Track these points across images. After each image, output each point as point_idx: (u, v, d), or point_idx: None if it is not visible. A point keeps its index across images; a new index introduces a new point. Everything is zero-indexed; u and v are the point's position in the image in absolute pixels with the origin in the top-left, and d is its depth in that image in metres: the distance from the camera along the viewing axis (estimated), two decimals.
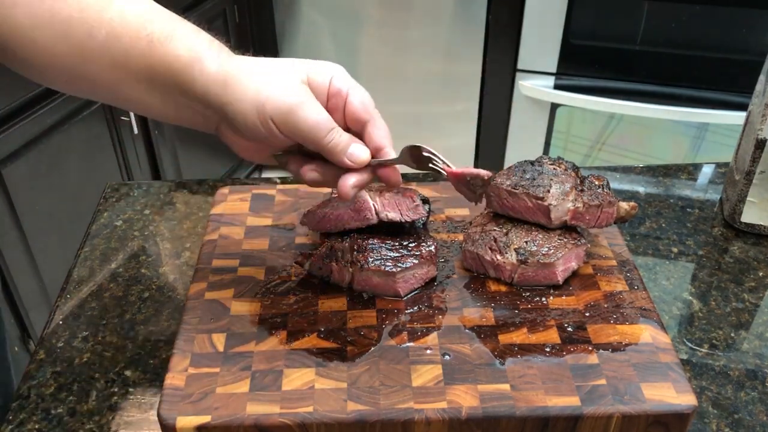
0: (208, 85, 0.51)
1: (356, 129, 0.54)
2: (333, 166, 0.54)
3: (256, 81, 0.51)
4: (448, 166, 0.54)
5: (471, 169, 0.53)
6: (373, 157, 0.53)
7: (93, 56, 0.51)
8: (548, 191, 0.61)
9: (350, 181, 0.53)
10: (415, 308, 0.58)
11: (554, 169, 0.64)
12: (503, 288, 0.61)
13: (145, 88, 0.53)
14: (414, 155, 0.54)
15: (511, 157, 2.11)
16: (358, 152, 0.52)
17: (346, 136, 0.52)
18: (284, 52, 2.19)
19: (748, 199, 0.80)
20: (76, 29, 0.51)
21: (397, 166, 0.54)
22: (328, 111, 0.52)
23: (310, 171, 0.54)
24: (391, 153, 0.53)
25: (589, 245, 0.63)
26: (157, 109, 0.55)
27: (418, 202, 0.61)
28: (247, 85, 0.50)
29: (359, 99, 0.53)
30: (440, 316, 0.58)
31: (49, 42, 0.51)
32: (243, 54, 0.55)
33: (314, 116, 0.50)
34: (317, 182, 0.55)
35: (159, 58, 0.51)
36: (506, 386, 0.51)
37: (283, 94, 0.50)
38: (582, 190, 0.63)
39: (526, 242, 0.61)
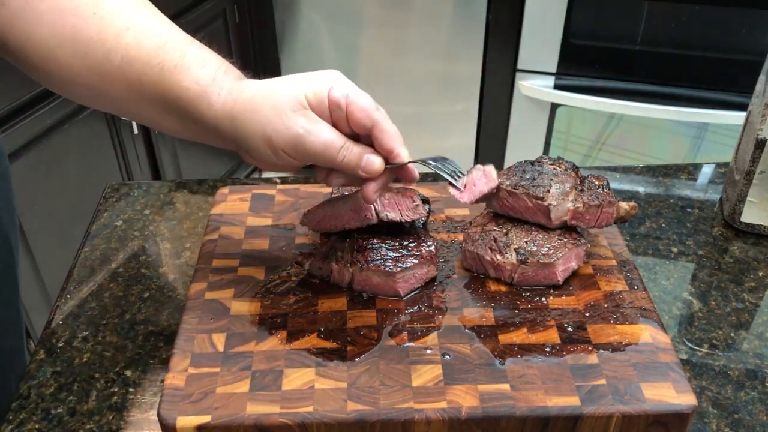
0: (217, 120, 0.53)
1: (365, 134, 0.54)
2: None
3: (260, 116, 0.52)
4: (460, 188, 0.58)
5: (483, 189, 0.60)
6: (387, 162, 0.54)
7: (110, 78, 0.54)
8: (548, 191, 0.61)
9: (371, 187, 0.54)
10: (415, 308, 0.58)
11: (554, 169, 0.64)
12: (503, 288, 0.61)
13: (161, 111, 0.55)
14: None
15: (511, 157, 2.11)
16: (371, 163, 0.53)
17: (357, 150, 0.53)
18: (284, 52, 2.19)
19: (748, 199, 0.80)
20: (95, 51, 0.53)
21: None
22: (333, 124, 0.53)
23: (335, 178, 0.56)
24: (402, 153, 0.53)
25: (589, 245, 0.63)
26: (178, 131, 0.57)
27: (418, 202, 0.61)
28: (252, 122, 0.52)
29: (359, 107, 0.52)
30: (440, 316, 0.58)
31: (71, 60, 0.53)
32: (246, 69, 0.57)
33: (322, 140, 0.52)
34: (345, 185, 0.58)
35: (169, 87, 0.53)
36: (506, 386, 0.51)
37: (287, 126, 0.51)
38: (582, 190, 0.63)
39: (526, 242, 0.61)
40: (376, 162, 0.53)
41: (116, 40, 0.53)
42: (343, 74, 0.54)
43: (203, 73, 0.53)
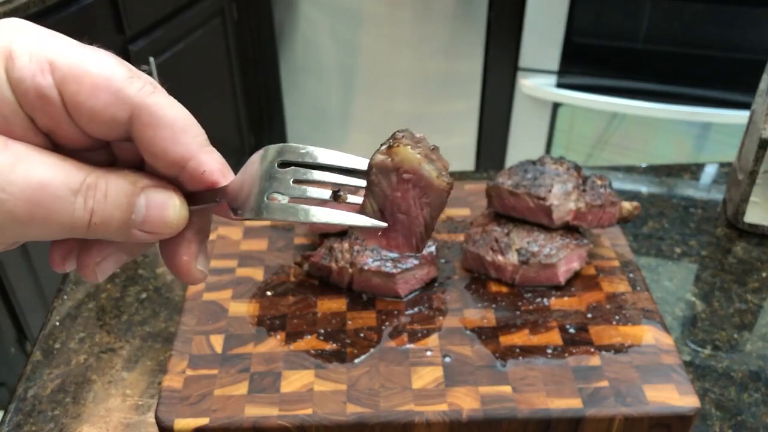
0: None
1: (120, 139, 0.28)
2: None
3: None
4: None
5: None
6: (191, 194, 0.29)
7: None
8: (550, 191, 0.60)
9: (184, 258, 0.30)
10: (416, 309, 0.58)
11: (556, 168, 0.63)
12: (504, 289, 0.60)
13: None
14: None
15: (513, 157, 2.10)
16: (158, 206, 0.28)
17: (116, 186, 0.27)
18: (283, 50, 2.18)
19: (751, 199, 0.80)
20: None
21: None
22: (45, 132, 0.27)
23: (99, 263, 0.30)
24: (208, 161, 0.28)
25: (591, 246, 0.63)
26: None
27: None
28: None
29: (93, 78, 0.26)
30: (441, 318, 0.57)
31: None
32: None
33: (26, 184, 0.25)
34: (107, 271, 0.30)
35: None
36: (507, 388, 0.50)
37: None
38: (584, 190, 0.62)
39: (527, 243, 0.60)
40: (167, 202, 0.28)
41: None
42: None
43: None
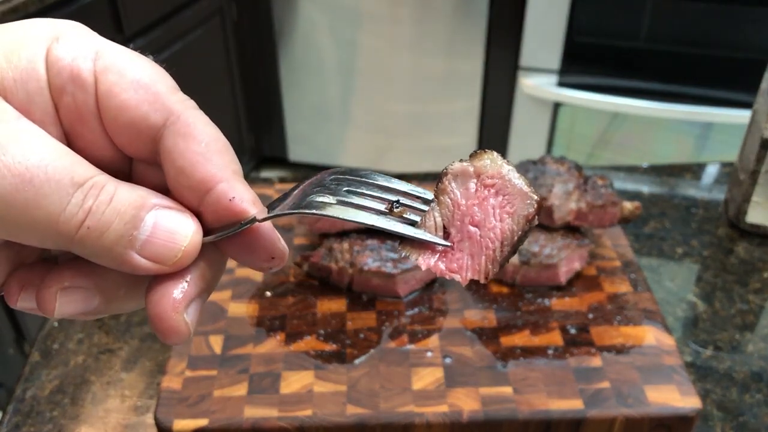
0: None
1: (145, 156, 0.25)
2: (114, 274, 0.24)
3: None
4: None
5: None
6: (207, 222, 0.25)
7: None
8: (551, 191, 0.60)
9: (171, 300, 0.24)
10: (416, 310, 0.58)
11: (557, 168, 0.63)
12: (505, 289, 0.60)
13: None
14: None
15: (514, 157, 2.10)
16: (167, 230, 0.23)
17: (126, 197, 0.23)
18: (283, 50, 2.18)
19: (752, 199, 0.79)
20: None
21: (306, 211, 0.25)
22: (65, 130, 0.24)
23: (60, 288, 0.24)
24: (237, 190, 0.24)
25: (592, 246, 0.62)
26: None
27: None
28: None
29: (130, 81, 0.24)
30: (441, 318, 0.57)
31: None
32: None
33: (19, 167, 0.21)
34: (81, 314, 0.25)
35: None
36: (508, 389, 0.50)
37: None
38: (585, 190, 0.62)
39: (528, 243, 0.60)
40: (180, 226, 0.24)
41: None
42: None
43: None
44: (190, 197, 0.24)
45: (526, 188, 0.26)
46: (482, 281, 0.25)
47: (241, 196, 0.24)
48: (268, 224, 0.25)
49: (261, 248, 0.25)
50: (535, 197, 0.26)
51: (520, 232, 0.26)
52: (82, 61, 0.23)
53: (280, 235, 0.26)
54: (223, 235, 0.24)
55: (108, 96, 0.24)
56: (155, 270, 0.23)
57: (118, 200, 0.22)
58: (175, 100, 0.24)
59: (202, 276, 0.25)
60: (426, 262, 0.26)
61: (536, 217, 0.26)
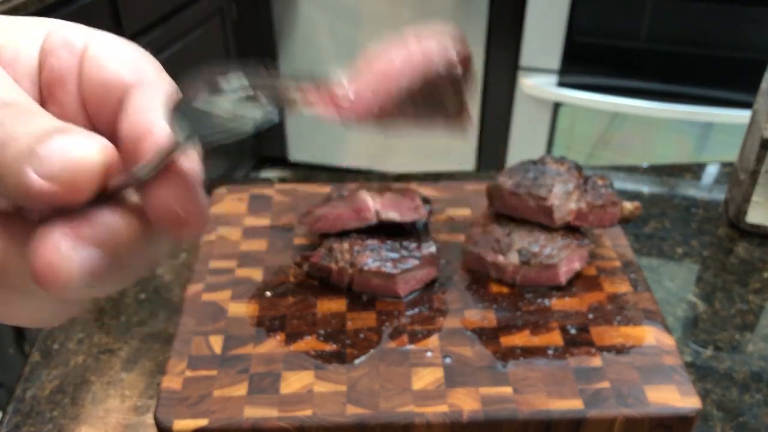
0: None
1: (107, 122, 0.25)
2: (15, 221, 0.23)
3: None
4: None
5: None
6: (129, 158, 0.23)
7: None
8: (551, 191, 0.60)
9: (63, 229, 0.21)
10: (416, 310, 0.58)
11: (557, 168, 0.63)
12: (505, 289, 0.60)
13: None
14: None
15: (513, 157, 2.10)
16: (72, 142, 0.21)
17: (49, 121, 0.22)
18: (283, 49, 2.18)
19: (753, 199, 0.79)
20: None
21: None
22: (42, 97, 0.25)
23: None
24: (158, 135, 0.23)
25: (592, 246, 0.62)
26: None
27: (419, 202, 0.60)
28: None
29: (111, 55, 0.25)
30: (441, 318, 0.57)
31: None
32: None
33: None
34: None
35: None
36: (508, 389, 0.50)
37: None
38: (585, 190, 0.62)
39: (528, 243, 0.60)
40: (83, 143, 0.21)
41: None
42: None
43: None
44: (132, 136, 0.23)
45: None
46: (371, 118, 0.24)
47: (157, 139, 0.22)
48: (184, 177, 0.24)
49: (172, 195, 0.23)
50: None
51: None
52: (77, 36, 0.25)
53: (200, 187, 0.25)
54: (141, 172, 0.22)
55: (92, 59, 0.24)
56: (50, 192, 0.20)
57: (34, 122, 0.21)
58: (152, 70, 0.25)
59: (108, 226, 0.22)
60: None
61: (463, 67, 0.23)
